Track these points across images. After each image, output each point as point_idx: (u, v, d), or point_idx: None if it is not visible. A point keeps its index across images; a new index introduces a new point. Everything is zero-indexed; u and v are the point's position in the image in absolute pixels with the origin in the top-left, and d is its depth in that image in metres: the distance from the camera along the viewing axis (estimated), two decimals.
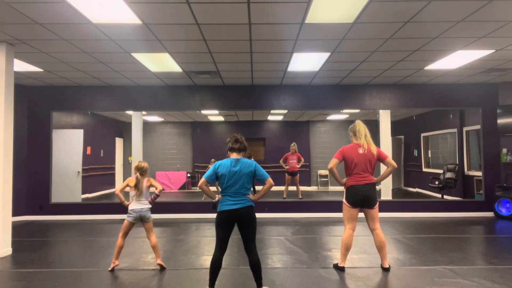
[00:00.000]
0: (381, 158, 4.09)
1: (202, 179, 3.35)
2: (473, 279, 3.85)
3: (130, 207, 4.18)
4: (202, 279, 3.87)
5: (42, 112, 7.74)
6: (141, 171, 4.21)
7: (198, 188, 3.41)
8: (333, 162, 4.06)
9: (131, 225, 4.20)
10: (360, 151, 4.04)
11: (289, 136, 12.31)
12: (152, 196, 4.32)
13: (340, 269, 4.14)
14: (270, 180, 3.35)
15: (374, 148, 4.08)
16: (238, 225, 3.37)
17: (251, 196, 3.40)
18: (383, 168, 4.23)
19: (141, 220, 4.19)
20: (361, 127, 4.13)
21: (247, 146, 3.46)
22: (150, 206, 4.25)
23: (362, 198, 4.01)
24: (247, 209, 3.31)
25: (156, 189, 4.25)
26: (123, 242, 4.22)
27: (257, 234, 3.48)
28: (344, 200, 4.15)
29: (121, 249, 4.24)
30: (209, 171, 3.38)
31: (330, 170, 4.06)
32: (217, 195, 3.44)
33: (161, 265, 4.21)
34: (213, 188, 3.37)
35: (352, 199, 4.05)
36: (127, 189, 4.26)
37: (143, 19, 4.15)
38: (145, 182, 4.23)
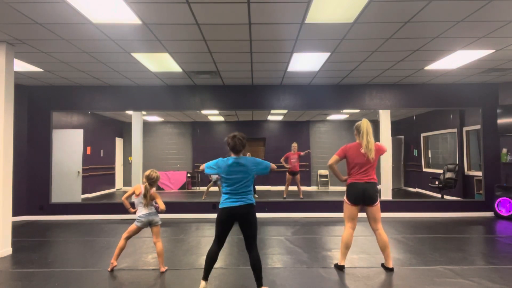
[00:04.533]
0: (381, 152, 4.12)
1: (202, 166, 3.48)
2: (473, 279, 3.85)
3: (137, 214, 4.14)
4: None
5: (42, 112, 7.74)
6: (151, 181, 4.11)
7: (200, 169, 3.50)
8: (333, 159, 4.11)
9: (139, 229, 4.18)
10: (362, 150, 4.04)
11: (289, 136, 12.31)
12: (156, 205, 4.24)
13: (339, 268, 4.15)
14: (273, 166, 3.47)
15: (373, 147, 4.02)
16: (238, 223, 3.38)
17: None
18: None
19: (149, 224, 4.16)
20: (364, 125, 4.09)
21: (244, 143, 3.42)
22: (157, 211, 4.19)
23: (362, 194, 4.02)
24: (247, 207, 3.34)
25: (158, 206, 4.15)
26: (124, 244, 4.19)
27: (257, 234, 3.48)
28: (345, 198, 4.17)
29: (122, 251, 4.21)
30: (211, 163, 3.43)
31: (330, 166, 4.12)
32: (215, 175, 3.45)
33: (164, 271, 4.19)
34: (215, 188, 3.38)
35: (353, 197, 4.06)
36: (133, 196, 4.19)
37: (143, 19, 4.15)
38: (151, 192, 4.13)
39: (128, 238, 4.19)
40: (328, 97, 7.87)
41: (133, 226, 4.16)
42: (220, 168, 3.37)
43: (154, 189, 4.19)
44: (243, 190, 3.35)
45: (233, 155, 3.41)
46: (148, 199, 4.09)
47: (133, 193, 4.15)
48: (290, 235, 6.00)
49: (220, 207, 3.40)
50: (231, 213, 3.33)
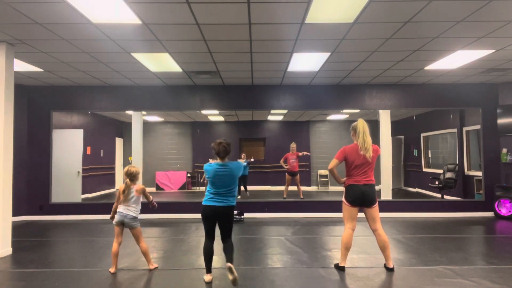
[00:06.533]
0: (377, 153, 4.10)
1: (205, 179, 3.88)
2: (473, 279, 3.85)
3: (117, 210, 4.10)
4: (202, 279, 3.87)
5: (42, 112, 7.74)
6: (131, 176, 4.05)
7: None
8: (333, 162, 4.09)
9: (117, 228, 4.11)
10: (360, 151, 4.04)
11: (289, 136, 12.32)
12: (153, 204, 4.26)
13: (340, 269, 4.15)
14: (242, 161, 3.84)
15: (370, 148, 4.01)
16: (217, 220, 3.72)
17: None
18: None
19: (124, 225, 4.08)
20: (360, 125, 4.09)
21: (229, 149, 3.71)
22: (136, 215, 4.10)
23: (361, 196, 4.02)
24: (228, 208, 3.69)
25: (152, 201, 4.20)
26: (116, 249, 4.10)
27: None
28: (343, 199, 4.17)
29: (116, 256, 4.13)
30: (205, 170, 3.78)
31: (331, 171, 4.11)
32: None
33: (154, 268, 4.19)
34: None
35: (351, 198, 4.06)
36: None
37: (143, 19, 4.15)
38: (135, 188, 4.07)
39: (117, 240, 4.11)
40: (328, 97, 7.86)
41: (115, 228, 4.13)
42: (207, 172, 3.70)
43: (139, 185, 4.12)
44: (226, 193, 3.68)
45: (218, 160, 3.71)
46: (126, 195, 4.02)
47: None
48: (290, 235, 6.00)
49: (203, 203, 3.72)
50: (213, 211, 3.65)
